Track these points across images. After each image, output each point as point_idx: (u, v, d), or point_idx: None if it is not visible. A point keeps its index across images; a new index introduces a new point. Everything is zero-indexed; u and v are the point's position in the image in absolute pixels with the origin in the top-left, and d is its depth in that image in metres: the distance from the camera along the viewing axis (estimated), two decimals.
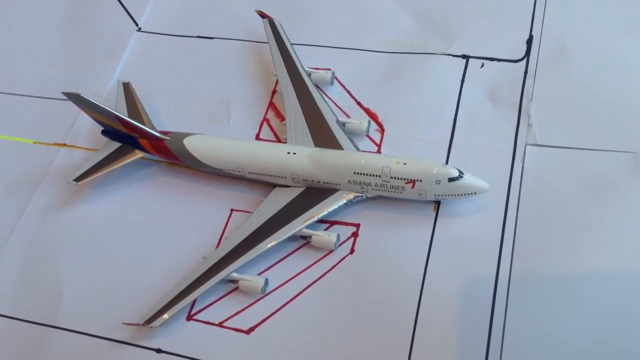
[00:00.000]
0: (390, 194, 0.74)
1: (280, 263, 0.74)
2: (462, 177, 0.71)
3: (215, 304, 0.73)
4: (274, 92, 0.88)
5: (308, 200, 0.76)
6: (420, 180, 0.71)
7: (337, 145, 0.78)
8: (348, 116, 0.84)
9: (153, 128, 0.83)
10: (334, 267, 0.73)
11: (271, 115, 0.86)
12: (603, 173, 0.75)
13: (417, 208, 0.75)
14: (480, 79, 0.84)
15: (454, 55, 0.86)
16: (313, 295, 0.72)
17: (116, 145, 0.83)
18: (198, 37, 0.96)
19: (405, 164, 0.72)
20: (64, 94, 0.80)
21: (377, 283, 0.71)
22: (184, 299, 0.71)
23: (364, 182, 0.74)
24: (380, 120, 0.83)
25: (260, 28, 0.91)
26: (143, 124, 0.82)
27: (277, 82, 0.87)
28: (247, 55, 0.92)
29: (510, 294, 0.69)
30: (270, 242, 0.73)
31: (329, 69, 0.87)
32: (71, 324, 0.74)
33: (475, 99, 0.82)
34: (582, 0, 0.88)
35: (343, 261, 0.74)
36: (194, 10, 0.99)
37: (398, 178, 0.72)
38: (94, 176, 0.81)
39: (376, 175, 0.73)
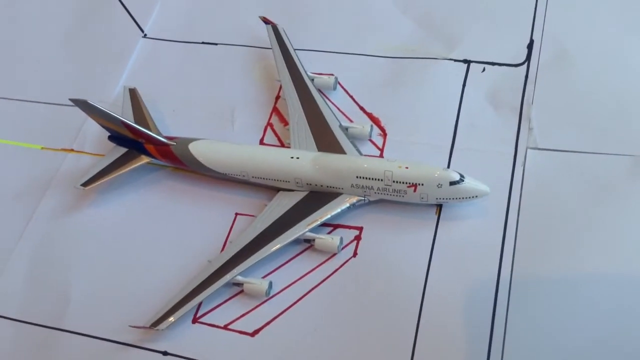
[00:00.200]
0: (393, 198, 0.75)
1: (284, 266, 0.75)
2: (463, 180, 0.72)
3: (221, 307, 0.74)
4: (278, 97, 0.89)
5: (311, 204, 0.76)
6: (422, 184, 0.72)
7: (340, 150, 0.79)
8: (351, 121, 0.84)
9: (159, 133, 0.84)
10: (337, 270, 0.74)
11: (275, 120, 0.87)
12: (603, 176, 0.75)
13: (419, 211, 0.75)
14: (481, 83, 0.85)
15: (455, 60, 0.87)
16: (316, 297, 0.73)
17: (123, 150, 0.84)
18: (203, 43, 0.97)
19: (407, 168, 0.73)
20: (71, 100, 0.81)
21: (379, 285, 0.72)
22: (189, 302, 0.71)
23: (366, 186, 0.74)
24: (382, 124, 0.84)
25: (264, 34, 0.92)
26: (149, 129, 0.83)
27: (280, 87, 0.88)
28: (251, 61, 0.93)
29: (512, 296, 0.69)
30: (274, 246, 0.74)
31: (332, 74, 0.87)
32: (78, 326, 0.75)
33: (476, 103, 0.83)
34: (582, 5, 0.89)
35: (346, 264, 0.74)
36: (199, 17, 1.00)
37: (400, 182, 0.73)
38: (100, 181, 0.82)
39: (378, 179, 0.73)
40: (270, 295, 0.73)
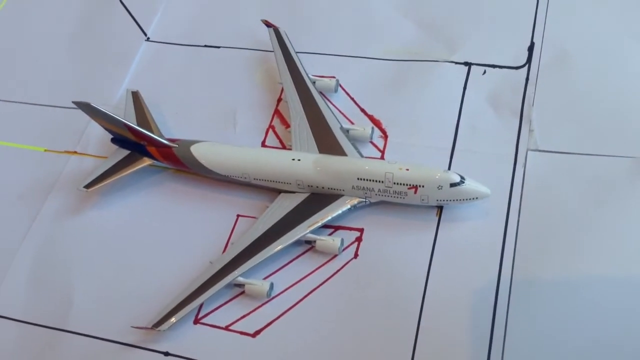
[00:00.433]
0: (393, 200, 0.75)
1: (285, 267, 0.76)
2: (463, 182, 0.72)
3: (222, 308, 0.74)
4: (279, 99, 0.89)
5: (312, 205, 0.77)
6: (423, 186, 0.72)
7: (341, 152, 0.79)
8: (352, 123, 0.85)
9: (161, 136, 0.84)
10: (338, 271, 0.74)
11: (276, 122, 0.87)
12: (604, 178, 0.75)
13: (419, 213, 0.76)
14: (482, 85, 0.85)
15: (456, 63, 0.87)
16: (317, 299, 0.73)
17: (125, 152, 0.84)
18: (205, 46, 0.97)
19: (407, 169, 0.73)
20: (75, 103, 0.82)
21: (380, 287, 0.72)
22: (191, 302, 0.72)
23: (367, 188, 0.75)
24: (383, 126, 0.84)
25: (266, 37, 0.92)
26: (151, 132, 0.84)
27: (282, 90, 0.88)
28: (253, 64, 0.94)
29: (512, 297, 0.69)
30: (275, 247, 0.74)
31: (334, 77, 0.88)
32: (81, 327, 0.75)
33: (477, 105, 0.83)
34: (583, 7, 0.89)
35: (347, 265, 0.74)
36: (202, 20, 1.00)
37: (401, 184, 0.73)
38: (103, 183, 0.82)
39: (379, 181, 0.74)
40: (272, 296, 0.74)
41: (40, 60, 1.01)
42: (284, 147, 0.84)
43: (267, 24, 0.93)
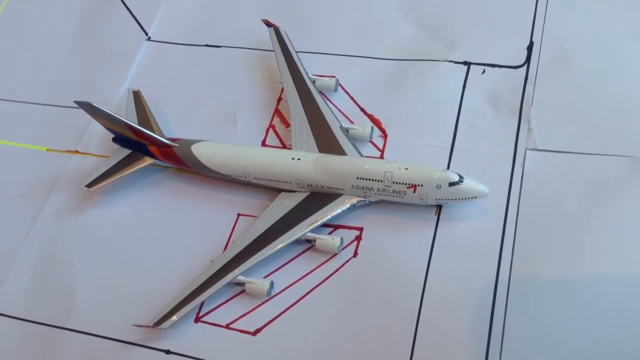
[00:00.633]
0: (393, 199, 0.75)
1: (286, 266, 0.76)
2: (462, 181, 0.72)
3: (223, 306, 0.75)
4: (280, 99, 0.89)
5: (312, 204, 0.77)
6: (422, 185, 0.73)
7: (340, 151, 0.79)
8: (352, 122, 0.85)
9: (162, 135, 0.85)
10: (337, 270, 0.75)
11: (277, 121, 0.88)
12: (602, 177, 0.76)
13: (419, 212, 0.76)
14: (481, 85, 0.85)
15: (455, 62, 0.88)
16: (317, 297, 0.73)
17: (126, 152, 0.85)
18: (206, 45, 0.98)
19: (406, 169, 0.73)
20: (76, 102, 0.82)
21: (379, 285, 0.73)
22: (192, 301, 0.72)
23: (366, 187, 0.75)
24: (383, 126, 0.84)
25: (266, 37, 0.92)
26: (152, 131, 0.84)
27: (282, 89, 0.88)
28: (253, 64, 0.94)
29: (510, 296, 0.70)
30: (275, 246, 0.75)
31: (333, 76, 0.88)
32: (82, 325, 0.76)
33: (476, 104, 0.84)
34: (582, 7, 0.89)
35: (346, 264, 0.75)
36: (202, 20, 1.01)
37: (400, 183, 0.73)
38: (105, 182, 0.83)
39: (378, 180, 0.74)
40: (272, 295, 0.74)
41: (42, 60, 1.02)
42: (284, 147, 0.85)
43: (268, 24, 0.93)
